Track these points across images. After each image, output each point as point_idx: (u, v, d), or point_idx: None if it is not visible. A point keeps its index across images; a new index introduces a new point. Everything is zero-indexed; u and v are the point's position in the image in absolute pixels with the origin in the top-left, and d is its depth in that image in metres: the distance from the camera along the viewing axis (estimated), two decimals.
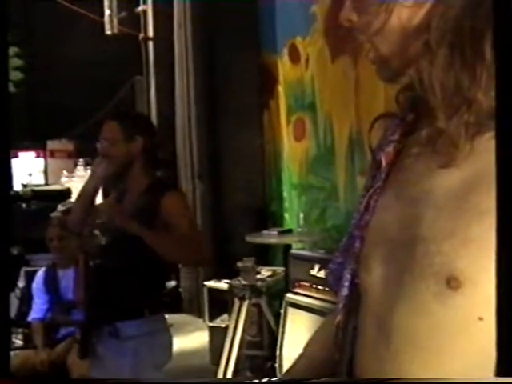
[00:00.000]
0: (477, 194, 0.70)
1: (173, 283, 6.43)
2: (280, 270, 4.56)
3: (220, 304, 4.88)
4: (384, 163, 0.85)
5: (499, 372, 0.64)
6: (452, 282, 0.69)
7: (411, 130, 0.83)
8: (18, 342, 4.52)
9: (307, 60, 5.14)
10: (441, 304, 0.70)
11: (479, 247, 0.68)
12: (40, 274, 3.90)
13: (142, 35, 6.37)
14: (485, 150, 0.71)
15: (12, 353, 4.04)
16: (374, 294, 0.81)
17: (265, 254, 5.53)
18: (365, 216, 0.85)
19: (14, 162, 7.35)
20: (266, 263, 5.18)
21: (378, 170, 0.86)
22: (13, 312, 4.68)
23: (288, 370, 1.05)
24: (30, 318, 3.87)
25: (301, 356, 1.07)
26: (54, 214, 3.97)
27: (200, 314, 5.61)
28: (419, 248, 0.73)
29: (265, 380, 1.19)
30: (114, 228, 2.51)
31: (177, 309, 6.15)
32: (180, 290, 6.35)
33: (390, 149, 0.85)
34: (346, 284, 0.88)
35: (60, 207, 4.10)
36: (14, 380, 0.77)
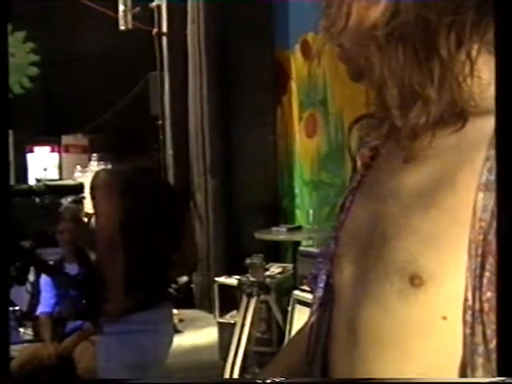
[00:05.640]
0: (441, 190, 0.69)
1: (185, 279, 6.44)
2: (290, 267, 4.55)
3: (231, 300, 4.89)
4: (359, 164, 0.85)
5: (499, 372, 0.62)
6: (415, 280, 0.68)
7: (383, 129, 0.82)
8: (29, 335, 4.57)
9: (319, 56, 5.11)
10: (404, 302, 0.69)
11: (442, 245, 0.67)
12: None
13: (155, 30, 6.37)
14: (447, 145, 0.70)
15: (21, 346, 4.08)
16: (344, 294, 0.80)
17: (276, 251, 5.53)
18: (340, 217, 0.85)
19: (29, 156, 7.42)
20: (278, 260, 5.18)
21: (355, 171, 0.87)
22: (24, 306, 4.73)
23: (265, 368, 1.05)
24: (38, 312, 3.90)
25: (279, 355, 1.06)
26: (63, 208, 3.98)
27: (211, 310, 5.62)
28: (386, 245, 0.72)
29: (261, 381, 1.18)
30: None
31: (188, 304, 6.17)
32: (192, 285, 6.36)
33: (365, 150, 0.85)
34: (321, 285, 0.88)
35: (65, 201, 4.12)
36: (14, 379, 0.78)
